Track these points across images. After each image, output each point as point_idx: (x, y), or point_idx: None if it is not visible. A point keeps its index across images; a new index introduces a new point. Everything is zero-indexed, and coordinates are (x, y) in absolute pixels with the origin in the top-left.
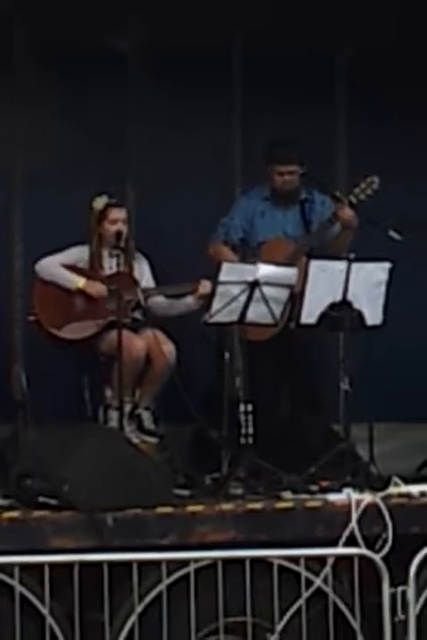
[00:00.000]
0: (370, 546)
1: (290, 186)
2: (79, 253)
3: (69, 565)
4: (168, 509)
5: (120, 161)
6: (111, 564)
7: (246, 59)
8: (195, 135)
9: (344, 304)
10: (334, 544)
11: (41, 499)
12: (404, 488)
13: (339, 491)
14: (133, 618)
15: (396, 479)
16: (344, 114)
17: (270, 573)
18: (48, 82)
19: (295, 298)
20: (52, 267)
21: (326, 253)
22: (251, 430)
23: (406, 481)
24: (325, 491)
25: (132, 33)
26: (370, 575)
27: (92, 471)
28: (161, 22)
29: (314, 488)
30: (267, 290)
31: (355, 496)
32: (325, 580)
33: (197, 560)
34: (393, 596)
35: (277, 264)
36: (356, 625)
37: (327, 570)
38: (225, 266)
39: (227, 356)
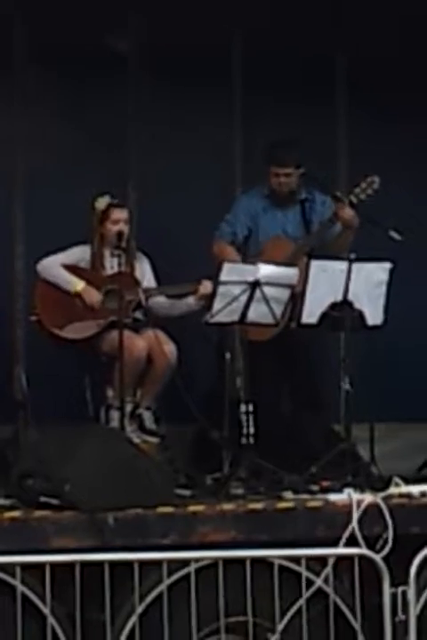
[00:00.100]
0: (371, 546)
1: (286, 188)
2: (81, 253)
3: (71, 565)
4: (169, 509)
5: (121, 161)
6: (112, 563)
7: (246, 59)
8: (195, 135)
9: (345, 304)
10: (334, 544)
11: (42, 498)
12: (405, 488)
13: (340, 491)
14: (134, 618)
15: (397, 479)
16: (345, 114)
17: (271, 573)
18: (48, 82)
19: (296, 298)
20: (53, 267)
21: (327, 253)
22: (252, 430)
23: (407, 481)
24: (325, 491)
25: (132, 33)
26: (371, 575)
27: (93, 471)
28: (161, 22)
29: (315, 488)
30: (268, 290)
31: (356, 496)
32: (325, 580)
33: (198, 560)
34: (394, 597)
35: (278, 264)
36: (356, 625)
37: (328, 570)
38: (226, 266)
39: (228, 356)
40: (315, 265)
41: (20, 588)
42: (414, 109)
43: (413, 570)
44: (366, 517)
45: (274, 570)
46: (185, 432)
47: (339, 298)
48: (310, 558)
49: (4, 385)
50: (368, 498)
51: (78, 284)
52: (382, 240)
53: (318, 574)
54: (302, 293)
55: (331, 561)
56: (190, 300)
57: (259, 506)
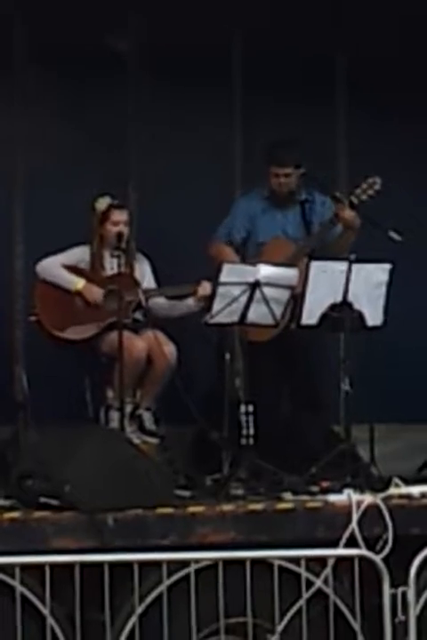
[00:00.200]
0: (370, 547)
1: (285, 188)
2: (81, 254)
3: (70, 566)
4: (169, 510)
5: (121, 161)
6: (112, 564)
7: (246, 59)
8: (195, 135)
9: (345, 305)
10: (334, 545)
11: (42, 499)
12: (404, 489)
13: (339, 492)
14: (134, 618)
15: (396, 480)
16: (344, 114)
17: (271, 574)
18: (48, 82)
19: (296, 299)
20: (53, 267)
21: (328, 254)
22: (251, 431)
23: (407, 482)
24: (325, 491)
25: (132, 33)
26: (370, 576)
27: (93, 472)
28: (161, 22)
29: (315, 489)
30: (268, 291)
31: (355, 497)
32: (325, 581)
33: (197, 561)
34: (394, 597)
35: (278, 265)
36: (356, 626)
37: (328, 571)
38: (226, 267)
39: (227, 356)
40: (315, 266)
41: (20, 588)
42: (414, 109)
43: (413, 571)
44: (366, 518)
45: (274, 571)
46: (185, 433)
47: (339, 299)
48: (309, 559)
49: (3, 386)
50: (368, 499)
51: (79, 282)
52: (381, 241)
53: (317, 575)
54: (302, 294)
55: (331, 562)
56: (190, 301)
57: (259, 507)
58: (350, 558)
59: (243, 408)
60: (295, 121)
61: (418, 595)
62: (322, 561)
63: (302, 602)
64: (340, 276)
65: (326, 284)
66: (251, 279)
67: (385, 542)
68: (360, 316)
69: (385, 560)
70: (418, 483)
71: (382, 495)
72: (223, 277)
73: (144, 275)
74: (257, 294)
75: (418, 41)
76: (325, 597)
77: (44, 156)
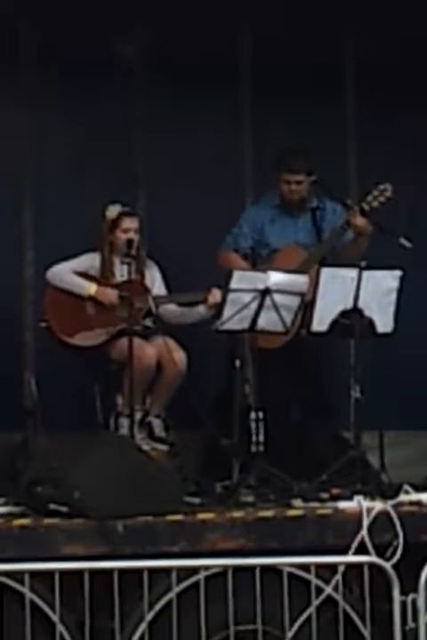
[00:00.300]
0: (381, 554)
1: (296, 195)
2: (90, 260)
3: (80, 573)
4: (178, 517)
5: (130, 169)
6: (122, 571)
7: (255, 65)
8: (204, 142)
9: (355, 312)
10: (344, 552)
11: (52, 506)
12: (415, 496)
13: (350, 498)
14: (144, 625)
15: (407, 487)
16: (354, 119)
17: (281, 581)
18: (57, 88)
19: (307, 305)
20: (64, 274)
21: (340, 261)
22: (261, 438)
23: (417, 489)
24: (335, 498)
25: (139, 38)
26: (381, 583)
27: (102, 479)
28: (169, 27)
29: (325, 496)
30: (278, 297)
31: (366, 504)
32: (335, 588)
33: (207, 567)
34: (404, 604)
35: (289, 272)
36: (366, 633)
37: (338, 578)
38: (236, 273)
39: (238, 363)
40: (325, 272)
41: (30, 595)
42: (425, 114)
43: (423, 578)
44: (376, 525)
45: (283, 578)
46: (195, 439)
47: (349, 305)
48: (319, 566)
49: (13, 392)
50: (378, 505)
51: (91, 287)
52: (392, 247)
53: (327, 582)
54: (313, 301)
55: (341, 569)
56: (201, 308)
57: (268, 513)
58: (360, 565)
59: (253, 415)
60: (305, 127)
61: None
62: (332, 568)
63: (311, 609)
64: (350, 283)
65: (337, 290)
66: (261, 286)
67: (395, 549)
68: (371, 323)
69: (395, 567)
70: None
71: (392, 502)
72: (234, 284)
73: (154, 281)
74: (267, 301)
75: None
76: (335, 604)
77: (54, 163)
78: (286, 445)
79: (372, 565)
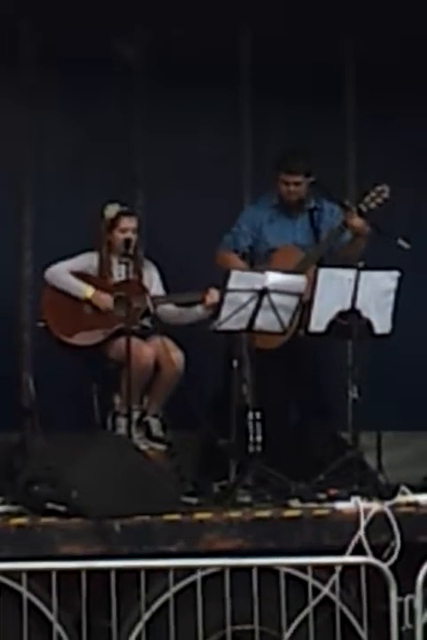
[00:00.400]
0: (378, 554)
1: (295, 196)
2: (89, 260)
3: (77, 572)
4: (176, 517)
5: (130, 168)
6: (119, 570)
7: (255, 65)
8: (203, 142)
9: (353, 312)
10: (341, 552)
11: (49, 505)
12: (412, 497)
13: (347, 499)
14: (141, 625)
15: (404, 488)
16: (353, 120)
17: (278, 581)
18: (57, 88)
19: (304, 306)
20: (62, 274)
21: (338, 262)
22: (259, 438)
23: (414, 489)
24: (333, 499)
25: (139, 38)
26: (378, 584)
27: (100, 478)
28: (169, 28)
29: (322, 496)
30: (276, 298)
31: (363, 504)
32: (332, 589)
33: (204, 567)
34: (401, 605)
35: (286, 272)
36: (363, 634)
37: (335, 578)
38: (234, 273)
39: (235, 363)
40: (323, 273)
41: (27, 594)
42: (425, 115)
43: (420, 578)
44: (373, 526)
45: (280, 578)
46: (192, 439)
47: (347, 306)
48: (316, 566)
49: (11, 391)
50: (375, 506)
51: (88, 290)
52: (390, 248)
53: (324, 583)
54: (310, 301)
55: (338, 569)
56: (198, 308)
57: (266, 514)
58: (357, 566)
59: (250, 415)
60: (304, 127)
61: (425, 603)
62: (329, 568)
63: (308, 609)
64: (348, 284)
65: (335, 291)
66: (259, 286)
67: (392, 550)
68: (368, 324)
69: (392, 568)
70: (426, 490)
71: (389, 503)
72: (231, 284)
73: (152, 281)
74: (265, 301)
75: None
76: (331, 605)
77: (54, 163)
78: (283, 446)
79: (369, 566)
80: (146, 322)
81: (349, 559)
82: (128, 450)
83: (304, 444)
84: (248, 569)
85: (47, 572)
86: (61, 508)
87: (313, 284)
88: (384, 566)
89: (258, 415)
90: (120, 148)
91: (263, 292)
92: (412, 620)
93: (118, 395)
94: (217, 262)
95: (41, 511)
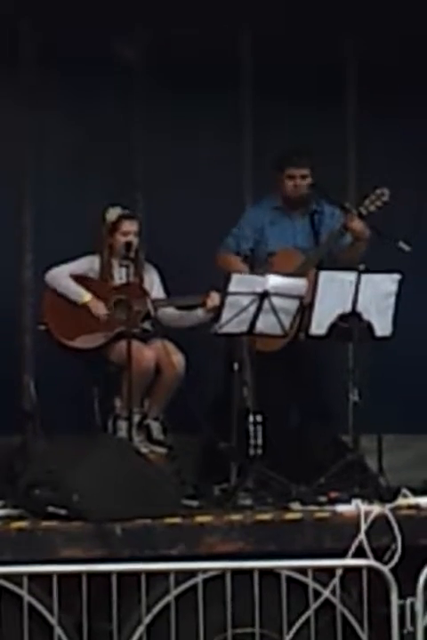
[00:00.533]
0: (379, 557)
1: (301, 191)
2: (89, 263)
3: (78, 575)
4: (177, 520)
5: (130, 170)
6: (120, 574)
7: (256, 66)
8: (204, 144)
9: (354, 315)
10: (342, 555)
11: (50, 509)
12: (413, 499)
13: (348, 502)
14: (142, 628)
15: (405, 490)
16: (354, 122)
17: (279, 584)
18: (58, 89)
19: (305, 309)
20: (61, 278)
21: (339, 265)
22: (260, 441)
23: (415, 492)
24: (333, 502)
25: (139, 40)
26: (379, 587)
27: (101, 481)
28: (169, 29)
29: (323, 499)
30: (276, 301)
31: (364, 507)
32: (333, 592)
33: (205, 570)
34: (402, 608)
35: (287, 275)
36: (364, 636)
37: (336, 581)
38: (235, 277)
39: (236, 366)
40: (323, 276)
41: (28, 598)
42: (425, 114)
43: (421, 581)
44: (374, 529)
45: (281, 581)
46: (193, 442)
47: (348, 309)
48: (317, 569)
49: (12, 395)
50: (376, 509)
51: (85, 296)
52: (391, 251)
53: (325, 585)
54: (311, 304)
55: (339, 572)
56: (199, 312)
57: (267, 517)
58: (358, 569)
59: (251, 418)
60: (304, 128)
61: (426, 605)
62: (330, 571)
63: (309, 612)
64: (349, 287)
65: (335, 294)
66: (259, 289)
67: (393, 553)
68: (369, 327)
69: (393, 571)
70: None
71: (390, 506)
72: (232, 287)
73: (153, 284)
74: (266, 304)
75: None
76: (332, 608)
77: (54, 164)
78: (284, 448)
79: (370, 569)
80: (147, 325)
81: (350, 562)
82: (129, 453)
83: (305, 447)
84: (249, 572)
85: (48, 575)
86: (62, 512)
87: (314, 286)
88: (385, 569)
89: (259, 418)
90: (120, 149)
91: (264, 295)
92: (413, 622)
93: (119, 398)
94: (218, 264)
95: (42, 514)
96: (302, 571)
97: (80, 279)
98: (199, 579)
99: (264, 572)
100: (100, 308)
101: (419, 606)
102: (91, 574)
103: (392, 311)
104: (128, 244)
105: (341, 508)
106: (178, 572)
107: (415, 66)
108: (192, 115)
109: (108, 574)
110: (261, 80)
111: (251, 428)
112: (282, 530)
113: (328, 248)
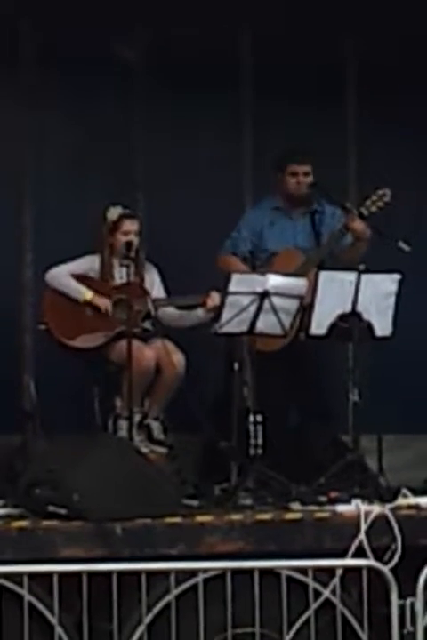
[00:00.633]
0: (379, 557)
1: (303, 189)
2: (90, 263)
3: (78, 575)
4: (177, 519)
5: (130, 170)
6: (120, 573)
7: (256, 66)
8: (204, 144)
9: (354, 315)
10: (342, 555)
11: (50, 508)
12: (413, 499)
13: (348, 502)
14: (142, 628)
15: (405, 490)
16: (355, 122)
17: (279, 584)
18: (58, 89)
19: (305, 309)
20: (62, 277)
21: (339, 265)
22: (260, 441)
23: (415, 492)
24: (333, 502)
25: (139, 40)
26: (379, 586)
27: (101, 481)
28: (169, 29)
29: (323, 499)
30: (277, 300)
31: (364, 507)
32: (333, 592)
33: (205, 570)
34: (402, 608)
35: (287, 275)
36: (364, 636)
37: (336, 581)
38: (235, 277)
39: (236, 366)
40: (324, 276)
41: (28, 597)
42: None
43: (421, 581)
44: (374, 529)
45: (282, 581)
46: (193, 442)
47: (348, 309)
48: (317, 569)
49: (12, 394)
50: (376, 509)
51: (87, 293)
52: (391, 251)
53: (325, 585)
54: (311, 304)
55: (339, 572)
56: (200, 311)
57: (267, 516)
58: (358, 569)
59: (251, 418)
60: (305, 128)
61: (426, 605)
62: (330, 571)
63: (309, 612)
64: (349, 287)
65: (335, 294)
66: (260, 289)
67: (393, 553)
68: (369, 327)
69: (393, 570)
70: (426, 493)
71: (390, 505)
72: (232, 287)
73: (153, 284)
74: (266, 304)
75: None
76: (332, 608)
77: (54, 163)
78: (284, 448)
79: (370, 569)
80: (147, 324)
81: (350, 562)
82: (129, 453)
83: (305, 447)
84: (249, 572)
85: (48, 574)
86: (63, 511)
87: (314, 286)
88: (385, 569)
89: (259, 418)
90: (120, 149)
91: (264, 295)
92: (413, 622)
93: (119, 397)
94: (219, 266)
95: (42, 514)
96: (303, 571)
97: (80, 278)
98: (200, 578)
99: (264, 572)
100: (104, 301)
101: (419, 606)
102: (91, 574)
103: (392, 311)
104: (129, 244)
105: (341, 508)
106: (178, 572)
107: (415, 66)
108: (192, 115)
109: (108, 574)
110: (261, 80)
111: (251, 427)
112: (282, 530)
113: (329, 248)
